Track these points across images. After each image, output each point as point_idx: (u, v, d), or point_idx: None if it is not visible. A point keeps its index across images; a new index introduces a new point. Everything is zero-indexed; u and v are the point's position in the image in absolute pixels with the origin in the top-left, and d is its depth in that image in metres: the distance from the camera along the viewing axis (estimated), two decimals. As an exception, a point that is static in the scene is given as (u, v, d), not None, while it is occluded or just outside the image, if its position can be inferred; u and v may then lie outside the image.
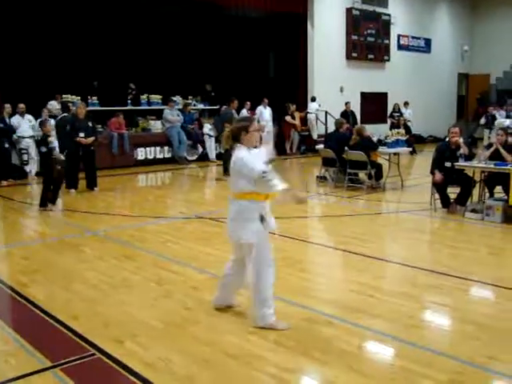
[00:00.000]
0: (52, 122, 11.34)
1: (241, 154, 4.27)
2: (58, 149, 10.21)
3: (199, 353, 4.01)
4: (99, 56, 15.20)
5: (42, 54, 14.14)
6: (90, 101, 14.71)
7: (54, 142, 9.88)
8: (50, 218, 9.06)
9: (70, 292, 5.34)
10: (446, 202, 8.82)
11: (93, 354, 4.00)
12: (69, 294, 5.27)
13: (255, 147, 4.37)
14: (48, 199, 9.23)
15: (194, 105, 17.46)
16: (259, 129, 4.66)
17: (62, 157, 9.92)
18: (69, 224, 8.55)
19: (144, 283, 5.56)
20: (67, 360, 3.89)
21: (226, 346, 4.09)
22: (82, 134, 10.67)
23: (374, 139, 12.07)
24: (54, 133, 10.47)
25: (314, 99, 18.62)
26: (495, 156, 8.44)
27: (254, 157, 4.24)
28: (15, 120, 12.81)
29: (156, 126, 15.95)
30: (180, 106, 16.28)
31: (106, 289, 5.41)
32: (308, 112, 18.48)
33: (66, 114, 12.04)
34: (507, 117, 19.26)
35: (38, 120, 12.23)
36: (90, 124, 10.98)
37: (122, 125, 14.80)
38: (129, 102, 15.93)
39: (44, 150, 9.40)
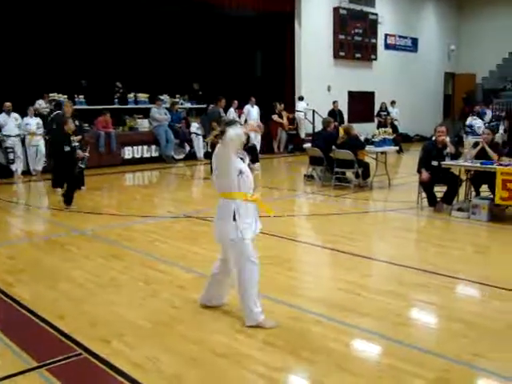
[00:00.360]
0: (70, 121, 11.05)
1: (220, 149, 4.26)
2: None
3: (187, 352, 4.00)
4: (86, 54, 15.11)
5: (28, 52, 14.07)
6: (76, 99, 14.63)
7: (76, 141, 9.81)
8: (36, 216, 8.99)
9: (57, 291, 5.30)
10: (432, 200, 8.87)
11: (79, 354, 3.97)
12: (55, 294, 5.23)
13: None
14: (67, 198, 9.20)
15: (182, 103, 17.42)
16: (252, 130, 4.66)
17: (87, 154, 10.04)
18: (55, 223, 8.49)
19: (131, 282, 5.53)
20: (53, 360, 3.86)
21: (213, 345, 4.08)
22: (68, 133, 10.57)
23: (362, 138, 12.10)
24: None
25: (301, 98, 18.64)
26: (481, 155, 8.50)
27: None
28: (1, 118, 12.72)
29: (143, 124, 15.89)
30: (167, 105, 16.23)
31: (93, 288, 5.38)
32: (297, 110, 18.47)
33: (59, 112, 11.86)
34: (493, 116, 19.42)
35: (50, 117, 12.17)
36: (77, 123, 10.88)
37: (109, 123, 14.73)
38: (116, 100, 15.85)
39: (68, 149, 9.30)
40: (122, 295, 5.18)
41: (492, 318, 4.58)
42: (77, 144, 9.81)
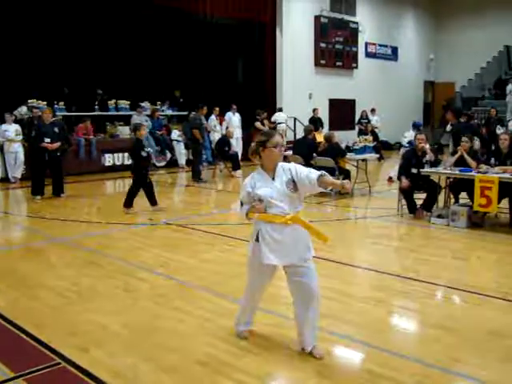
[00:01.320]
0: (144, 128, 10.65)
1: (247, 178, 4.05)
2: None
3: (166, 360, 3.97)
4: (67, 61, 15.05)
5: (7, 58, 13.92)
6: (56, 106, 14.51)
7: (149, 146, 9.86)
8: (15, 224, 8.89)
9: (35, 300, 5.24)
10: (412, 207, 8.93)
11: (58, 363, 3.92)
12: (33, 302, 5.17)
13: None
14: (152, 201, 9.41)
15: (163, 110, 17.38)
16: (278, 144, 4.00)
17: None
18: (34, 231, 8.40)
19: (111, 290, 5.48)
20: (31, 370, 3.80)
21: (193, 353, 4.06)
22: (47, 140, 10.49)
23: (343, 146, 12.17)
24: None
25: (281, 110, 18.51)
26: (460, 162, 8.59)
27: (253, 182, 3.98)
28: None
29: (124, 131, 15.80)
30: (148, 112, 16.18)
31: (72, 296, 5.33)
32: (280, 123, 18.14)
33: (55, 119, 12.02)
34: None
35: (133, 123, 12.54)
36: (57, 129, 10.80)
37: (90, 130, 14.63)
38: (96, 107, 15.76)
39: (145, 154, 9.27)
40: (101, 303, 5.14)
41: (470, 324, 4.61)
42: (150, 150, 9.92)
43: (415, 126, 13.92)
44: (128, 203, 9.32)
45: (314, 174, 3.94)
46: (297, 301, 4.09)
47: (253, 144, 4.08)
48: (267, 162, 3.99)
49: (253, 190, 3.95)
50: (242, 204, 4.06)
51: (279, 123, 18.04)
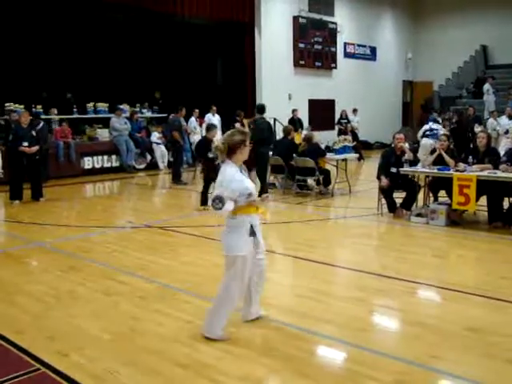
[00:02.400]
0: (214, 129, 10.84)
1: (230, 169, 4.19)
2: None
3: (147, 363, 3.95)
4: (44, 64, 14.89)
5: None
6: (34, 110, 14.36)
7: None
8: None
9: (13, 306, 5.18)
10: (392, 206, 8.99)
11: (37, 369, 3.88)
12: (11, 308, 5.11)
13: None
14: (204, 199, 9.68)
15: (142, 113, 17.29)
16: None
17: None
18: (12, 236, 8.31)
19: (90, 294, 5.44)
20: (10, 377, 3.76)
21: (174, 356, 4.05)
22: (25, 143, 10.38)
23: (322, 146, 12.21)
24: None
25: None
26: (438, 161, 8.67)
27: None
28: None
29: (103, 134, 15.69)
30: (127, 114, 16.09)
31: (51, 301, 5.27)
32: None
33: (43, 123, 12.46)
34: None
35: (207, 124, 13.01)
36: (34, 133, 10.69)
37: (68, 133, 14.52)
38: (74, 110, 15.62)
39: (211, 155, 9.46)
40: (80, 307, 5.09)
41: (450, 321, 4.66)
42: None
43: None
44: (203, 201, 9.65)
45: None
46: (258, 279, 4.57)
47: (235, 139, 4.21)
48: (241, 158, 4.28)
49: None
50: (221, 200, 3.99)
51: None
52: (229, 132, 4.34)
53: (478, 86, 22.63)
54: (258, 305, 4.67)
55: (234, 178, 4.13)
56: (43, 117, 14.49)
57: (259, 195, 6.66)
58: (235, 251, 4.20)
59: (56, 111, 15.09)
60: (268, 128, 11.15)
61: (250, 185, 4.23)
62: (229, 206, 4.04)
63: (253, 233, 4.26)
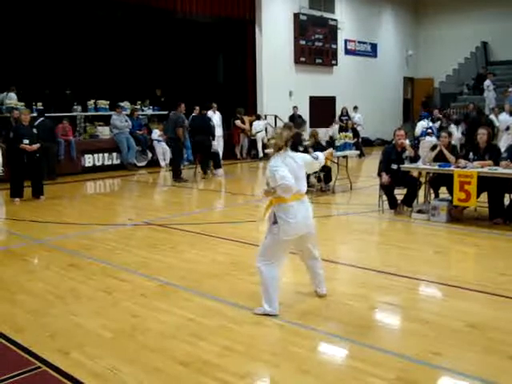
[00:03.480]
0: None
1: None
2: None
3: (149, 361, 3.95)
4: (44, 61, 14.89)
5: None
6: (34, 107, 14.34)
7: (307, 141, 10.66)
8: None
9: (14, 304, 5.18)
10: (393, 203, 8.98)
11: (38, 367, 3.88)
12: (12, 306, 5.11)
13: None
14: None
15: (143, 110, 17.27)
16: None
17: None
18: (13, 233, 8.30)
19: (91, 292, 5.44)
20: (11, 375, 3.75)
21: (175, 353, 4.04)
22: (26, 141, 10.37)
23: (323, 142, 12.18)
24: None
25: (259, 117, 18.30)
26: (439, 157, 8.65)
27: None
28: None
29: (104, 132, 15.67)
30: (128, 112, 16.07)
31: (52, 299, 5.27)
32: (258, 132, 17.91)
33: (43, 119, 12.55)
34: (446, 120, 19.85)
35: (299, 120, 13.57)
36: (35, 130, 10.70)
37: (69, 131, 14.50)
38: (75, 107, 15.59)
39: (301, 149, 9.57)
40: (81, 305, 5.10)
41: (451, 317, 4.65)
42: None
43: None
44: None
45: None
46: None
47: (284, 134, 4.71)
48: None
49: None
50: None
51: (257, 132, 17.91)
52: (277, 129, 4.95)
53: (478, 82, 22.59)
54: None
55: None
56: (45, 114, 14.52)
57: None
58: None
59: (80, 108, 15.18)
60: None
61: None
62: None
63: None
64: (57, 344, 4.24)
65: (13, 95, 14.28)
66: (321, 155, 5.15)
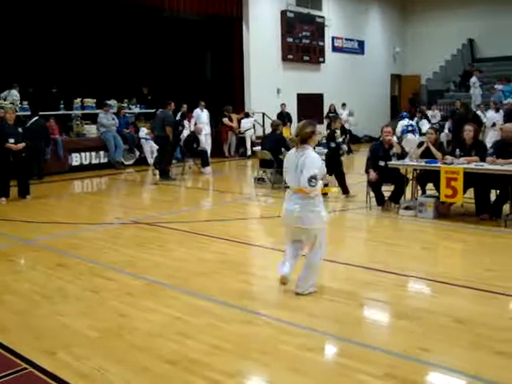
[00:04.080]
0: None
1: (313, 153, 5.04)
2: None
3: (136, 360, 3.93)
4: (30, 59, 14.77)
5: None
6: (20, 106, 14.23)
7: (340, 137, 10.79)
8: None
9: (0, 304, 5.12)
10: (380, 200, 9.00)
11: (24, 369, 3.84)
12: (-2, 307, 5.07)
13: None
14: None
15: (130, 108, 17.18)
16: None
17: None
18: (0, 234, 8.23)
19: (78, 291, 5.40)
20: (-4, 376, 3.73)
21: (163, 352, 4.02)
22: (11, 140, 10.28)
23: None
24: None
25: (247, 115, 18.26)
26: (426, 154, 8.68)
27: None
28: None
29: (91, 130, 15.55)
30: (115, 110, 15.98)
31: (39, 299, 5.23)
32: (246, 130, 17.90)
33: (37, 118, 12.55)
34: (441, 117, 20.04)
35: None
36: (20, 129, 10.59)
37: (55, 130, 14.39)
38: (61, 106, 15.48)
39: (333, 145, 10.27)
40: (68, 305, 5.06)
41: (438, 313, 4.67)
42: (340, 141, 10.66)
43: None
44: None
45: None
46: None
47: (307, 131, 5.04)
48: (312, 144, 5.15)
49: None
50: (316, 179, 4.92)
51: (246, 130, 17.89)
52: (299, 125, 5.23)
53: (464, 79, 22.70)
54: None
55: (319, 160, 5.01)
56: (28, 113, 14.39)
57: None
58: (319, 224, 5.05)
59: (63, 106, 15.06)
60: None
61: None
62: (320, 184, 4.97)
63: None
64: (43, 344, 4.20)
65: (15, 92, 14.17)
66: (320, 183, 5.11)
